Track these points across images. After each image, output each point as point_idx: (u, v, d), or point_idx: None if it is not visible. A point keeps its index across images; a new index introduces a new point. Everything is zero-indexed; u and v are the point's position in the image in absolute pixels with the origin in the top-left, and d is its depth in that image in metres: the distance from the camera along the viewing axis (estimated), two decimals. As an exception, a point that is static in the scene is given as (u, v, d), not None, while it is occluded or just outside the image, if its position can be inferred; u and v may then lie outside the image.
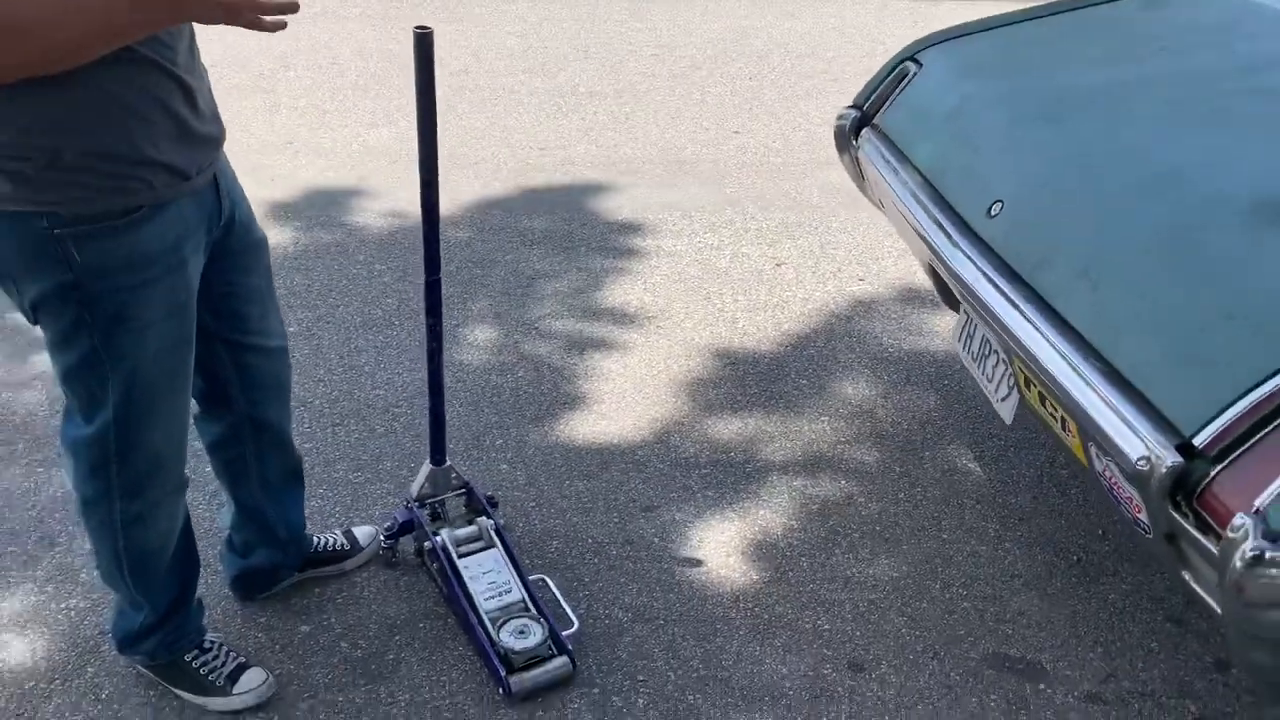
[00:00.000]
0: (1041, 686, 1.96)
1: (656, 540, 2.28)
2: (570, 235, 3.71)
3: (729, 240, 3.71)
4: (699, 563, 2.22)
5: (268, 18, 1.31)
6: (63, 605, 2.05)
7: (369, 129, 4.64)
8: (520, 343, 3.01)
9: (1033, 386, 1.75)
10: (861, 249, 3.66)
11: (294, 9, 1.31)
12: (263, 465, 1.90)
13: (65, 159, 1.35)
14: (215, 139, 1.55)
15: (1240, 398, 1.30)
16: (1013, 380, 1.90)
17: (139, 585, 1.72)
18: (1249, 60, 2.02)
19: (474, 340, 3.00)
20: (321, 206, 3.84)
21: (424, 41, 1.70)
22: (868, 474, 2.52)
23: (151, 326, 1.50)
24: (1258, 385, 1.30)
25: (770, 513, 2.38)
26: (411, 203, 3.91)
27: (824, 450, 2.59)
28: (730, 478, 2.49)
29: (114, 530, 1.65)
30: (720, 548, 2.27)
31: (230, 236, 1.65)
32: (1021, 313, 1.73)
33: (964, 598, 2.16)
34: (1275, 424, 1.27)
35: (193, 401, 1.76)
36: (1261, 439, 1.27)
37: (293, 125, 4.56)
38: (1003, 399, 1.98)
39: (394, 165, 4.25)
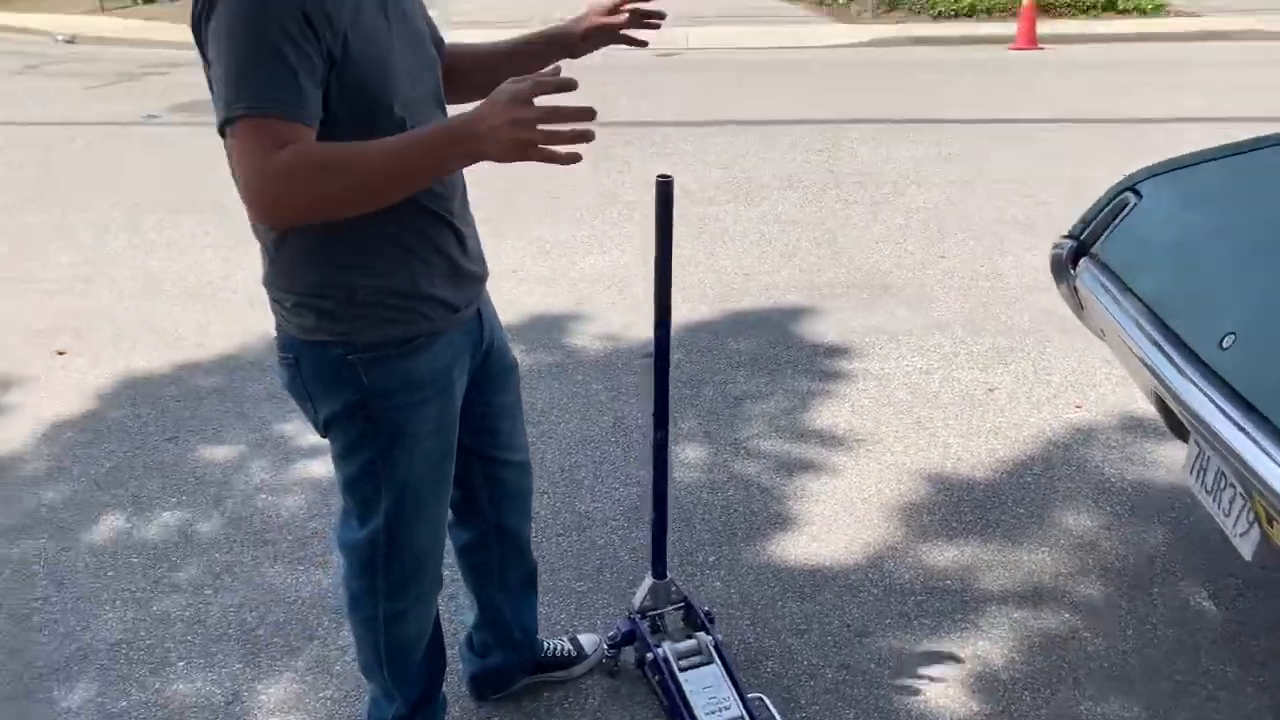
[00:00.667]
0: None
1: (873, 666, 2.28)
2: (775, 357, 3.81)
3: (938, 364, 3.72)
4: (917, 692, 2.21)
5: (561, 149, 1.32)
6: (320, 694, 2.24)
7: (585, 256, 4.94)
8: (730, 462, 3.10)
9: (1275, 524, 1.70)
10: (1078, 375, 3.59)
11: (589, 137, 1.32)
12: (504, 570, 2.05)
13: (359, 296, 1.57)
14: (481, 277, 1.75)
15: None
16: (1253, 515, 1.84)
17: (395, 677, 1.87)
18: None
19: (685, 459, 3.12)
20: (544, 330, 4.10)
21: (665, 189, 1.86)
22: (1093, 609, 2.44)
23: (422, 442, 1.69)
24: None
25: (990, 644, 2.34)
26: (625, 326, 4.13)
27: (1045, 582, 2.53)
28: (947, 606, 2.46)
29: (377, 625, 1.82)
30: (939, 677, 2.24)
31: (489, 361, 1.84)
32: (1260, 447, 1.69)
33: (1203, 746, 2.05)
34: None
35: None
36: None
37: (518, 254, 4.92)
38: (1241, 535, 1.91)
39: (608, 291, 4.50)
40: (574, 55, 1.89)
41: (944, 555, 2.65)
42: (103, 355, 3.99)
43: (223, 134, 1.38)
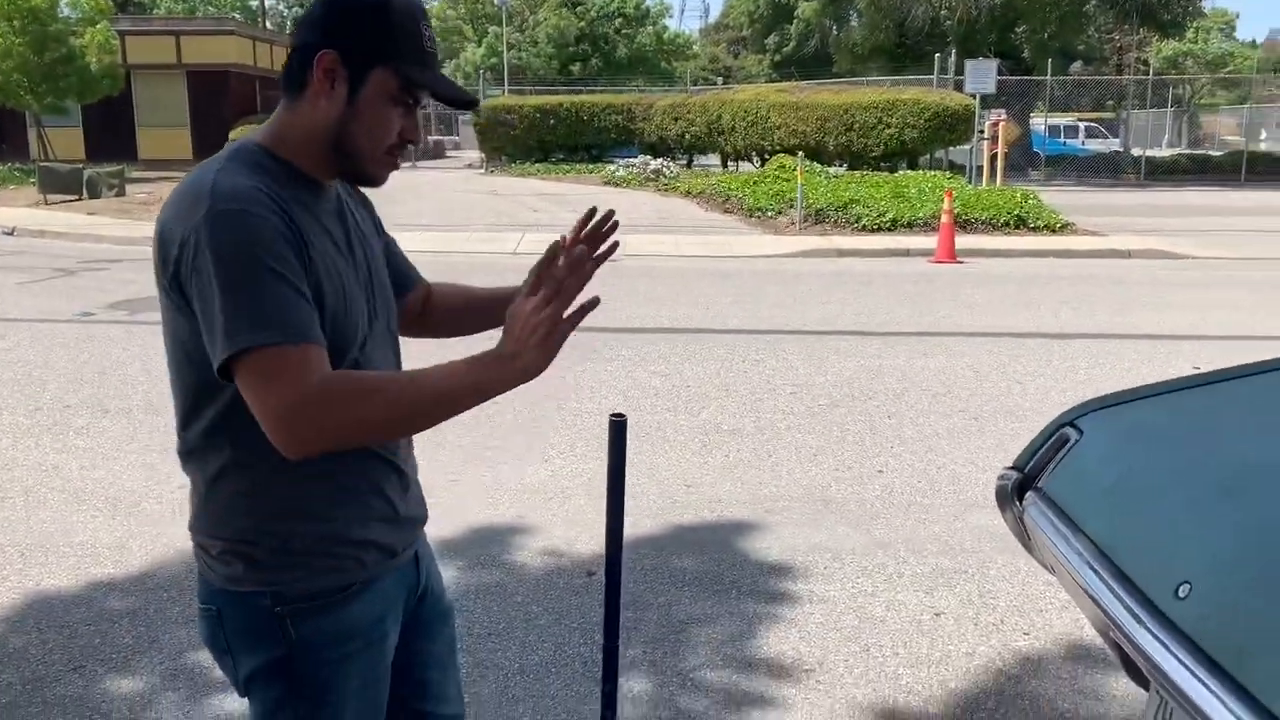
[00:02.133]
0: None
1: None
2: (720, 576, 3.74)
3: (883, 586, 3.67)
4: None
5: (578, 306, 1.41)
6: None
7: (526, 466, 4.88)
8: (676, 696, 2.97)
9: (1252, 790, 1.64)
10: (1023, 599, 3.56)
11: (595, 303, 1.42)
12: None
13: (294, 544, 1.49)
14: (420, 519, 1.68)
15: None
16: (1225, 777, 1.78)
17: None
18: None
19: (630, 692, 2.98)
20: (483, 544, 3.99)
21: (619, 428, 1.84)
22: None
23: (349, 700, 1.57)
24: None
25: None
26: (566, 541, 4.04)
27: (1007, 833, 2.41)
28: None
29: None
30: None
31: (422, 606, 1.74)
32: (1228, 709, 1.65)
33: None
34: None
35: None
36: None
37: (457, 463, 4.85)
38: (1214, 795, 1.84)
39: (549, 502, 4.43)
40: None
41: (902, 802, 2.52)
42: (9, 572, 3.76)
43: (226, 373, 1.35)
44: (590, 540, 4.00)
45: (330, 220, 1.53)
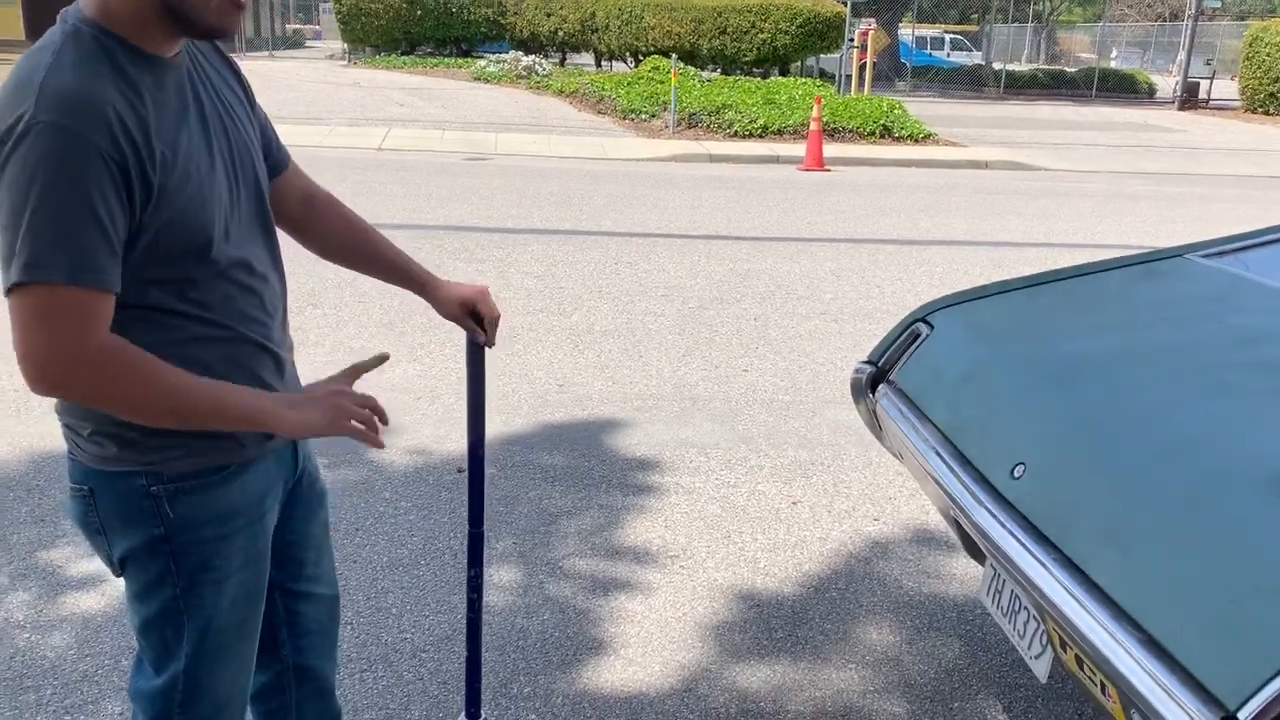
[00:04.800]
0: None
1: (691, 798, 2.25)
2: (590, 472, 3.81)
3: (745, 478, 3.81)
4: (735, 823, 2.19)
5: (371, 435, 1.54)
6: None
7: (393, 365, 4.82)
8: (545, 584, 3.05)
9: (1069, 649, 1.80)
10: (874, 488, 3.76)
11: (384, 421, 1.59)
12: (301, 716, 1.91)
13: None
14: None
15: (1279, 673, 1.36)
16: (1046, 639, 1.95)
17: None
18: (1244, 334, 2.18)
19: (500, 582, 3.04)
20: (346, 444, 3.95)
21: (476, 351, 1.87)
22: (899, 726, 2.51)
23: (230, 577, 1.57)
24: (1295, 660, 1.36)
25: (804, 768, 2.35)
26: (435, 439, 4.03)
27: (853, 700, 2.59)
28: (762, 729, 2.47)
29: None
30: (756, 806, 2.24)
31: (299, 488, 1.74)
32: (1054, 576, 1.80)
33: None
34: (1317, 701, 1.32)
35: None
36: (1305, 715, 1.32)
37: (324, 362, 4.75)
38: (1036, 656, 2.02)
39: (418, 401, 4.40)
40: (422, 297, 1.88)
41: (756, 676, 2.67)
42: None
43: (6, 294, 1.28)
44: (459, 438, 4.00)
45: (182, 95, 1.45)
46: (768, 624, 2.90)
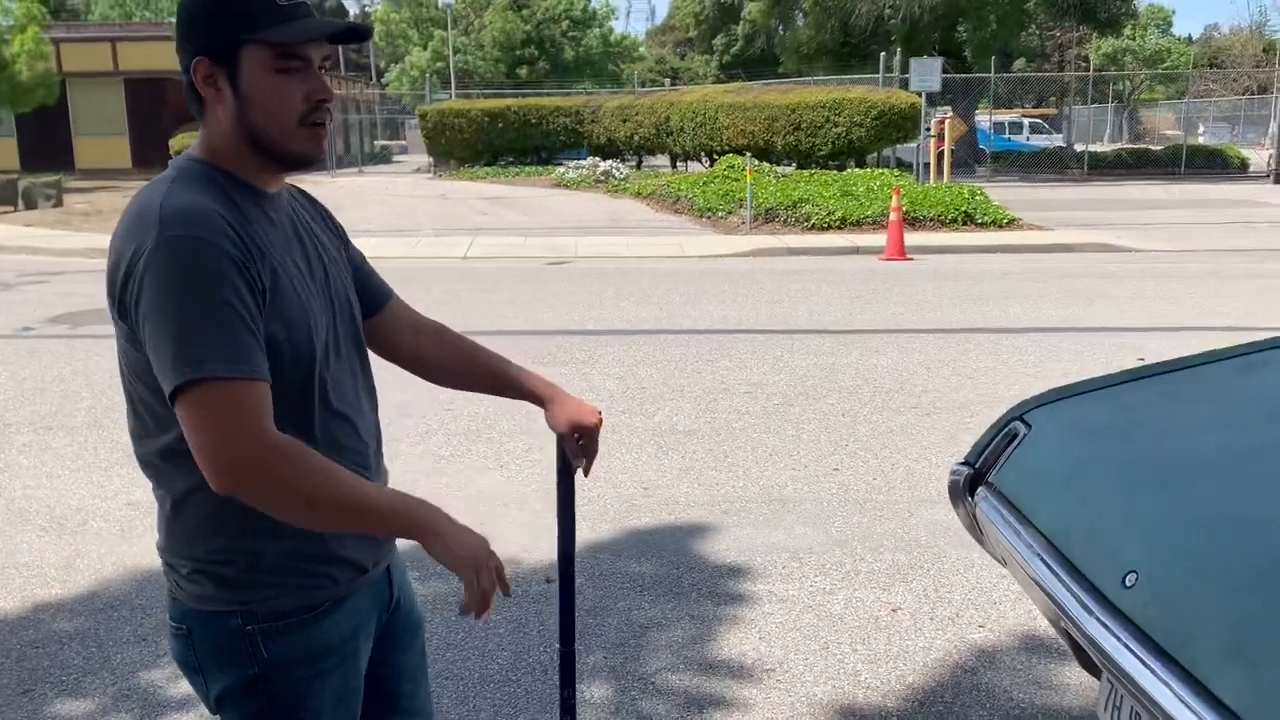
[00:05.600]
0: None
1: None
2: (679, 580, 3.74)
3: (840, 584, 3.70)
4: None
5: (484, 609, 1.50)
6: None
7: (481, 474, 4.85)
8: (638, 700, 2.97)
9: (1201, 774, 1.67)
10: (977, 592, 3.61)
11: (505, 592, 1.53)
12: None
13: (264, 562, 1.47)
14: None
15: None
16: (1174, 761, 1.82)
17: None
18: (1366, 427, 2.06)
19: (592, 699, 2.97)
20: (438, 554, 3.95)
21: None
22: None
23: (323, 716, 1.55)
24: None
25: None
26: (523, 549, 4.02)
27: (967, 824, 2.45)
28: None
29: None
30: None
31: (394, 619, 1.73)
32: (1172, 691, 1.69)
33: None
34: None
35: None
36: None
37: (411, 472, 4.81)
38: (1164, 779, 1.89)
39: (505, 509, 4.41)
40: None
41: (863, 798, 2.55)
42: (-48, 595, 3.67)
43: (172, 400, 1.34)
44: (547, 547, 3.97)
45: (284, 227, 1.51)
46: (871, 741, 2.78)
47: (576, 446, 1.88)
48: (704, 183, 17.60)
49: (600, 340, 7.68)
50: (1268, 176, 23.49)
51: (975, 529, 2.62)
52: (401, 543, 1.65)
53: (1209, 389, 2.48)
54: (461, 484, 4.72)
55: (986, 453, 2.63)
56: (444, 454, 5.12)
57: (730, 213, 15.35)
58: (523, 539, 4.11)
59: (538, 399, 1.87)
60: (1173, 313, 8.61)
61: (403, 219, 16.31)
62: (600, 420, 1.88)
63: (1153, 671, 1.75)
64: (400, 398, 6.01)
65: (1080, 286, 10.00)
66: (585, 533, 4.12)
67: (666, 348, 7.44)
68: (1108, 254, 12.60)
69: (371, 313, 1.74)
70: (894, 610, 3.50)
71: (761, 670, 3.13)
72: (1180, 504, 2.04)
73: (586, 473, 1.90)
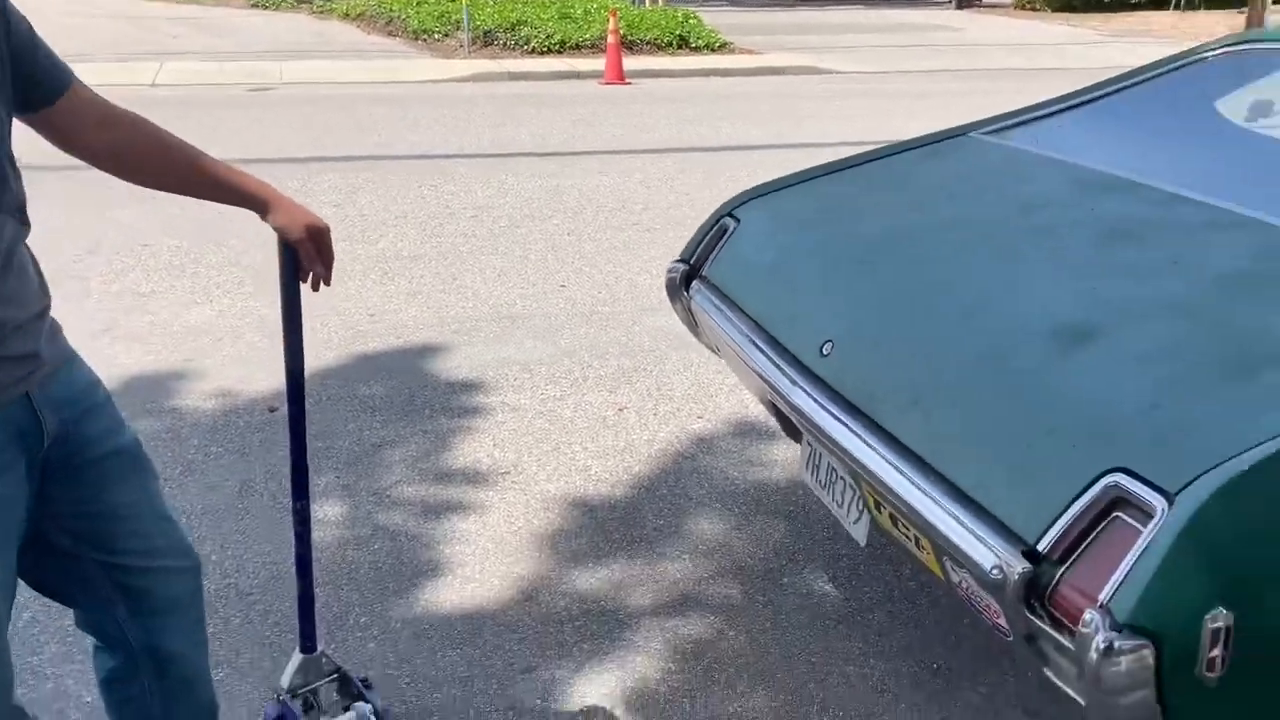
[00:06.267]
0: (926, 796, 2.05)
1: (540, 702, 2.27)
2: (411, 399, 3.72)
3: (570, 391, 3.81)
4: (588, 717, 2.22)
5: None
6: None
7: (188, 309, 4.54)
8: (374, 514, 2.97)
9: (883, 509, 1.89)
10: (696, 387, 3.83)
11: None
12: (168, 707, 1.74)
13: None
14: (23, 355, 1.46)
15: (1072, 503, 1.46)
16: (863, 504, 2.04)
17: None
18: (1024, 202, 2.30)
19: (326, 517, 2.94)
20: (146, 394, 3.71)
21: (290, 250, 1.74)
22: (734, 607, 2.59)
23: None
24: (1084, 491, 1.46)
25: (647, 658, 2.41)
26: (241, 380, 3.84)
27: (690, 589, 2.66)
28: (604, 628, 2.51)
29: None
30: (604, 700, 2.28)
31: (72, 454, 1.55)
32: (864, 441, 1.88)
33: (840, 719, 2.24)
34: (1104, 524, 1.43)
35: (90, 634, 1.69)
36: (1095, 539, 1.43)
37: (108, 311, 4.42)
38: (854, 522, 2.12)
39: (219, 344, 4.17)
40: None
41: (596, 578, 2.70)
42: None
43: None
44: (268, 377, 3.83)
45: None
46: (602, 527, 2.93)
47: (313, 252, 1.74)
48: (418, 3, 16.66)
49: (313, 168, 7.25)
50: (949, 3, 25.12)
51: (691, 322, 2.75)
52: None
53: (897, 176, 2.68)
54: (167, 320, 4.40)
55: (700, 249, 2.74)
56: (144, 291, 4.73)
57: (447, 35, 14.67)
58: (239, 371, 3.91)
59: (258, 202, 1.67)
60: (874, 127, 9.18)
61: (72, 41, 14.43)
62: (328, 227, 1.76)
63: (845, 426, 1.93)
64: (91, 235, 5.46)
65: (789, 106, 10.43)
66: (310, 360, 3.93)
67: (386, 174, 7.14)
68: (814, 75, 13.16)
69: (44, 103, 1.50)
70: (620, 410, 3.65)
71: (496, 474, 3.20)
72: (870, 279, 2.22)
73: (328, 281, 1.78)
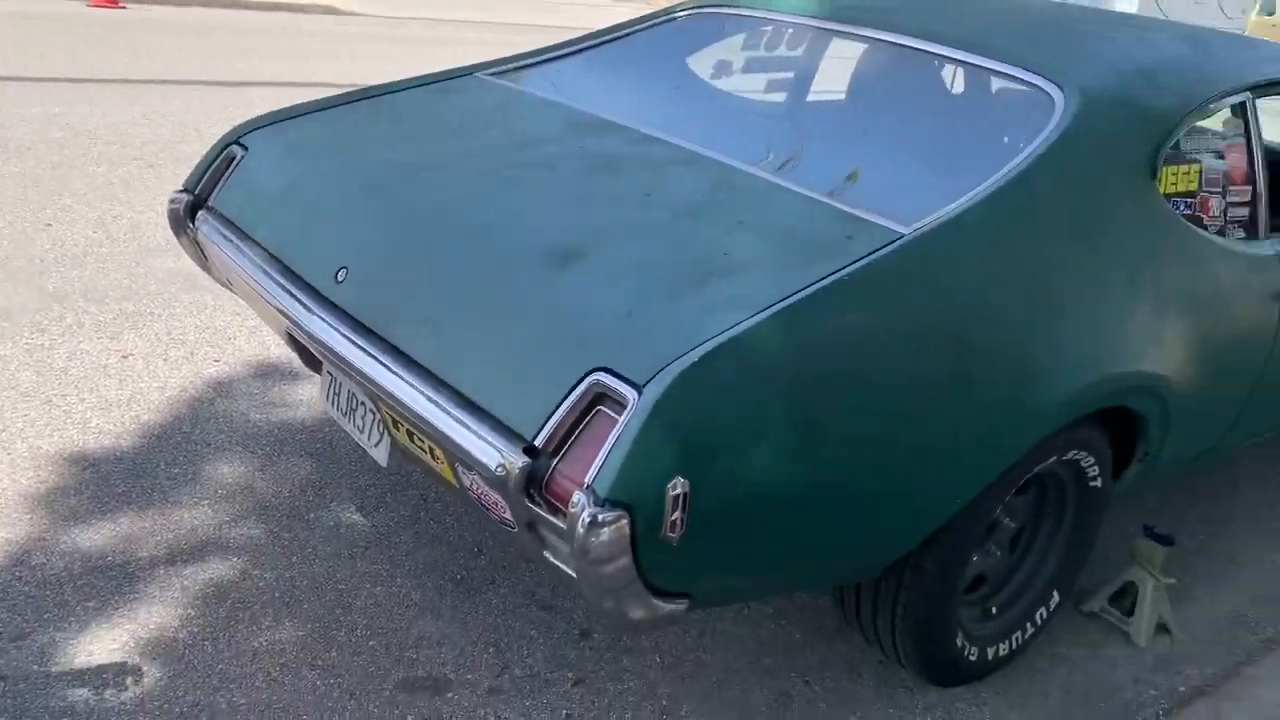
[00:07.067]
0: (450, 695, 2.18)
1: (36, 667, 2.07)
2: None
3: (62, 339, 3.43)
4: (97, 675, 2.07)
5: None
6: None
7: None
8: None
9: (401, 426, 1.97)
10: (211, 331, 3.63)
11: None
12: None
13: None
14: None
15: (562, 401, 1.64)
16: (382, 425, 2.10)
17: None
18: (523, 137, 2.47)
19: None
20: None
21: None
22: (258, 547, 2.54)
23: None
24: (572, 390, 1.64)
25: (163, 608, 2.29)
26: None
27: (209, 534, 2.56)
28: (111, 584, 2.34)
29: None
30: (114, 656, 2.14)
31: None
32: (379, 361, 1.93)
33: (369, 637, 2.30)
34: (590, 416, 1.62)
35: None
36: (583, 430, 1.61)
37: None
38: (376, 444, 2.17)
39: None
40: None
41: (99, 534, 2.50)
42: None
43: None
44: None
45: None
46: (106, 481, 2.71)
47: None
48: None
49: None
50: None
51: (200, 255, 2.62)
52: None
53: (407, 109, 2.73)
54: None
55: (205, 178, 2.61)
56: None
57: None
58: None
59: None
60: (392, 71, 9.13)
61: None
62: None
63: (361, 349, 1.97)
64: None
65: (308, 46, 10.04)
66: None
67: None
68: (332, 15, 12.76)
69: None
70: (125, 357, 3.37)
71: (-30, 434, 2.83)
72: (380, 206, 2.26)
73: None
